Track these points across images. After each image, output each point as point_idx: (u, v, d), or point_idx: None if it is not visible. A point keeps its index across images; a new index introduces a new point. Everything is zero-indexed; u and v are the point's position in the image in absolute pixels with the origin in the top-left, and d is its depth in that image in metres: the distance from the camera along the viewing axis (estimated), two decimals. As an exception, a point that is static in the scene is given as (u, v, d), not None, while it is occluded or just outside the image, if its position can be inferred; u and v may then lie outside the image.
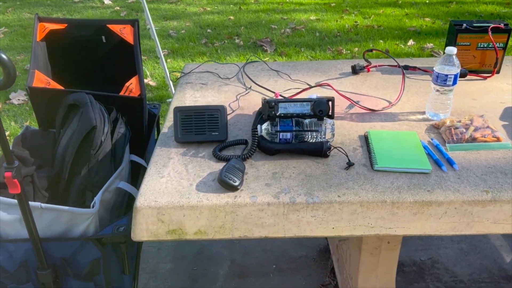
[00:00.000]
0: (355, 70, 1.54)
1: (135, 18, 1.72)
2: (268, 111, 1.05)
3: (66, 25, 1.73)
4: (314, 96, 1.30)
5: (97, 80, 1.84)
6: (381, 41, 4.16)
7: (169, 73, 3.07)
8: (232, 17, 4.98)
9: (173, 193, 0.96)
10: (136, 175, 1.57)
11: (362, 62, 1.58)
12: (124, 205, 1.47)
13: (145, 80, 3.46)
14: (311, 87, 1.41)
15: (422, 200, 0.93)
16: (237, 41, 4.26)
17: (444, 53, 1.18)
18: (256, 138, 1.07)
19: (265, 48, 4.06)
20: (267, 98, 1.35)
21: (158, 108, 1.95)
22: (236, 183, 0.95)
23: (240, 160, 1.02)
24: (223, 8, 5.40)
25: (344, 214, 0.94)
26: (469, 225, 0.95)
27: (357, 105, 1.30)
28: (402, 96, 1.36)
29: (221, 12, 5.22)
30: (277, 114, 1.06)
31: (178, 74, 3.72)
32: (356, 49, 3.97)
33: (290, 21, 4.82)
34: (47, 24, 1.72)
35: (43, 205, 1.22)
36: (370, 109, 1.28)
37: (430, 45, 4.04)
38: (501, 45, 1.45)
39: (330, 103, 1.05)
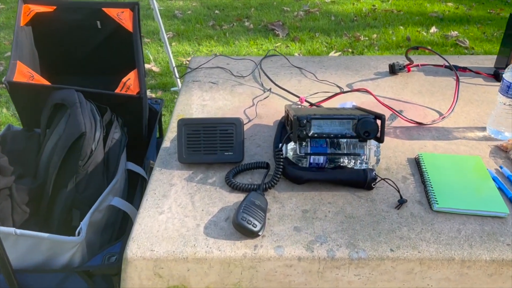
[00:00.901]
0: (393, 70, 1.29)
1: (135, 1, 1.48)
2: (298, 130, 0.82)
3: (54, 7, 1.48)
4: (348, 104, 1.06)
5: (90, 72, 1.60)
6: (401, 27, 3.87)
7: (174, 59, 2.81)
8: (241, -3, 4.68)
9: (175, 239, 0.74)
10: (133, 185, 1.35)
11: (401, 60, 1.34)
12: (118, 224, 1.26)
13: (148, 66, 3.21)
14: (343, 92, 1.17)
15: (502, 259, 0.71)
16: (246, 24, 3.98)
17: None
18: (281, 162, 0.85)
19: (276, 32, 3.78)
20: (291, 105, 1.12)
21: (161, 104, 1.72)
22: (257, 228, 0.73)
23: (260, 193, 0.80)
24: (232, -13, 5.08)
25: (398, 274, 0.72)
26: (560, 291, 0.73)
27: (402, 116, 1.06)
28: (455, 106, 1.12)
29: (230, -9, 4.91)
30: (310, 134, 0.83)
31: (183, 59, 3.46)
32: (375, 35, 3.69)
33: (304, 3, 4.51)
34: (32, 6, 1.47)
35: (18, 231, 1.01)
36: (417, 123, 1.05)
37: (454, 33, 3.75)
38: None
39: (379, 122, 0.81)
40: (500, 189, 0.84)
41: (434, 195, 0.81)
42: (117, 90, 1.37)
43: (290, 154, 0.88)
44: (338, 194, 0.84)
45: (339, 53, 3.39)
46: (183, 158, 0.89)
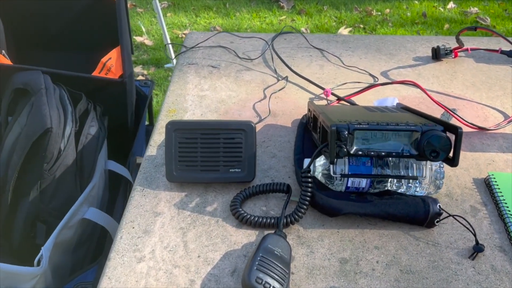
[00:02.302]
0: (437, 55, 1.04)
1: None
2: (335, 146, 0.57)
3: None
4: (390, 101, 0.82)
5: (66, 49, 1.35)
6: (416, 1, 3.56)
7: (169, 32, 2.52)
8: (242, -35, 4.32)
9: (159, 306, 0.51)
10: (115, 189, 1.12)
11: (444, 41, 1.08)
12: (94, 240, 1.03)
13: (140, 39, 2.92)
14: (381, 83, 0.92)
15: None
16: (248, -6, 3.66)
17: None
18: (309, 189, 0.61)
19: (281, 3, 3.47)
20: (314, 100, 0.87)
21: (151, 86, 1.46)
22: (279, 296, 0.50)
23: (280, 235, 0.56)
24: (232, -47, 4.70)
25: None
26: None
27: (460, 118, 0.82)
28: (522, 104, 0.88)
29: (230, -42, 4.54)
30: (352, 151, 0.59)
31: (179, 32, 3.16)
32: (388, 10, 3.39)
33: (311, -28, 4.17)
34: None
35: (-38, 258, 0.78)
36: (479, 127, 0.81)
37: (474, 9, 3.45)
38: None
39: (452, 137, 0.57)
40: None
41: (523, 240, 0.58)
42: (95, 73, 1.12)
43: (319, 172, 0.64)
44: (387, 233, 0.61)
45: (350, 28, 3.11)
46: (173, 175, 0.65)
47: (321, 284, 0.54)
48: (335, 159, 0.59)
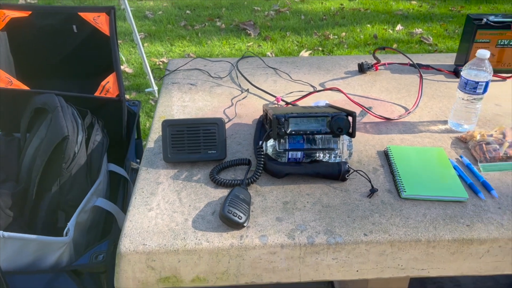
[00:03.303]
0: (362, 69, 1.37)
1: (112, 5, 1.50)
2: (277, 128, 0.88)
3: (30, 12, 1.49)
4: (322, 102, 1.13)
5: (68, 76, 1.62)
6: (368, 25, 4.00)
7: (147, 60, 2.82)
8: (212, -3, 4.71)
9: (166, 233, 0.79)
10: (115, 186, 1.38)
11: (369, 59, 1.42)
12: (102, 224, 1.28)
13: (121, 67, 3.20)
14: (317, 91, 1.24)
15: (462, 238, 0.79)
16: (218, 23, 4.02)
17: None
18: (262, 158, 0.91)
19: (248, 31, 3.83)
20: (269, 104, 1.18)
21: (138, 105, 1.74)
22: (242, 220, 0.79)
23: (244, 188, 0.85)
24: (202, -13, 5.10)
25: (371, 256, 0.79)
26: (513, 264, 0.82)
27: (371, 112, 1.14)
28: (419, 101, 1.21)
29: (201, -9, 4.93)
30: (288, 131, 0.89)
31: (156, 60, 3.47)
32: (344, 33, 3.80)
33: (274, 2, 4.58)
34: (7, 11, 1.47)
35: (6, 233, 1.03)
36: (385, 118, 1.13)
37: (418, 30, 3.91)
38: (523, 42, 1.31)
39: (350, 118, 0.88)
40: (460, 176, 0.92)
41: (402, 184, 0.89)
42: (97, 93, 1.40)
43: (270, 150, 0.94)
44: (315, 186, 0.91)
45: (310, 51, 3.48)
46: (168, 157, 0.94)
47: (271, 216, 0.83)
48: (277, 138, 0.89)
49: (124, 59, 3.34)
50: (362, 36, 3.79)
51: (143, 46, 3.57)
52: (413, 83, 1.32)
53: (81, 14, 1.49)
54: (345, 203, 0.86)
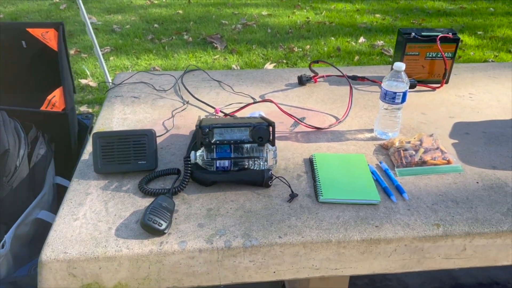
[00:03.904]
0: (301, 81, 1.44)
1: (60, 21, 1.53)
2: (201, 138, 0.92)
3: (-22, 27, 1.51)
4: (257, 113, 1.19)
5: (17, 90, 1.62)
6: (332, 38, 4.12)
7: (112, 74, 2.85)
8: (180, 11, 4.77)
9: (87, 241, 0.82)
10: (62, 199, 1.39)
11: (309, 72, 1.49)
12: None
13: (85, 81, 3.21)
14: (254, 102, 1.30)
15: (370, 238, 0.84)
16: (185, 37, 4.07)
17: (392, 68, 1.11)
18: (189, 168, 0.95)
19: (215, 45, 3.90)
20: (208, 116, 1.23)
21: (91, 118, 1.77)
22: (162, 227, 0.82)
23: (168, 197, 0.89)
24: (171, 1, 5.16)
25: (286, 257, 0.84)
26: (420, 262, 0.88)
27: (302, 123, 1.20)
28: (350, 111, 1.28)
29: (169, 5, 4.99)
30: (212, 141, 0.94)
31: (122, 73, 3.48)
32: (308, 46, 3.91)
33: (242, 16, 4.68)
34: (-46, 26, 1.49)
35: None
36: (316, 127, 1.19)
37: (380, 42, 4.05)
38: (450, 54, 1.40)
39: (270, 128, 0.94)
40: (376, 181, 0.99)
41: (320, 189, 0.94)
42: (43, 108, 1.42)
43: (199, 160, 0.98)
44: (241, 193, 0.95)
45: (274, 64, 3.56)
46: (98, 168, 0.97)
47: (193, 222, 0.87)
48: (201, 147, 0.94)
49: (88, 73, 3.35)
50: (325, 48, 3.90)
51: (108, 60, 3.60)
52: (348, 94, 1.39)
53: (29, 30, 1.52)
54: (266, 208, 0.91)
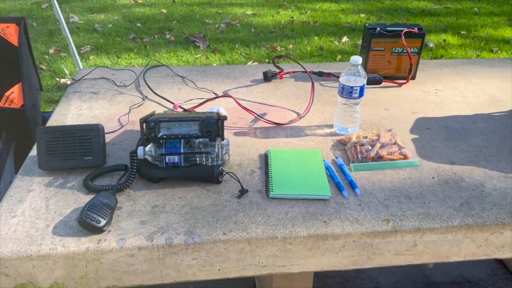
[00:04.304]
0: (267, 77, 1.42)
1: (21, 16, 1.50)
2: (147, 132, 0.89)
3: None
4: (215, 108, 1.16)
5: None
6: (315, 37, 4.11)
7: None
8: (164, 11, 4.73)
9: (22, 239, 0.78)
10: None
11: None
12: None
13: (63, 80, 3.16)
14: (213, 98, 1.27)
15: (317, 234, 0.82)
16: (168, 36, 4.04)
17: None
18: (135, 163, 0.92)
19: (197, 44, 3.87)
20: (167, 111, 1.20)
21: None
22: (101, 224, 0.79)
23: (111, 193, 0.86)
24: (155, 0, 5.12)
25: (231, 254, 0.81)
26: (370, 258, 0.86)
27: (261, 119, 1.18)
28: (312, 107, 1.26)
29: (153, 4, 4.95)
30: (159, 135, 0.91)
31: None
32: (291, 46, 3.89)
33: (226, 15, 4.65)
34: None
35: None
36: (275, 123, 1.17)
37: (363, 42, 4.04)
38: (415, 50, 1.39)
39: (219, 122, 0.91)
40: (330, 176, 0.96)
41: (271, 184, 0.92)
42: (0, 104, 1.38)
43: (147, 154, 0.95)
44: (190, 189, 0.92)
45: (256, 63, 3.54)
46: (43, 164, 0.94)
47: (135, 219, 0.84)
48: (146, 142, 0.91)
49: (67, 72, 3.30)
50: (308, 48, 3.88)
51: (89, 59, 3.55)
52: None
53: (-12, 25, 1.48)
54: (214, 204, 0.88)
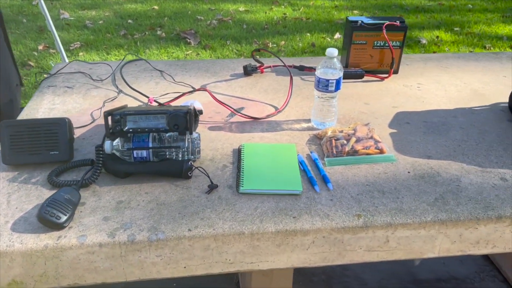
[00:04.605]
0: (247, 71, 1.39)
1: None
2: (112, 126, 0.87)
3: None
4: (189, 102, 1.13)
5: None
6: (308, 34, 4.09)
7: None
8: (156, 7, 4.69)
9: (-21, 236, 0.76)
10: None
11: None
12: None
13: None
14: (190, 92, 1.24)
15: (286, 230, 0.80)
16: (159, 32, 4.00)
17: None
18: (101, 158, 0.89)
19: (188, 40, 3.84)
20: (142, 105, 1.17)
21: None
22: (61, 220, 0.77)
23: (75, 188, 0.83)
24: (147, -4, 5.08)
25: (196, 251, 0.79)
26: (341, 255, 0.83)
27: (237, 113, 1.15)
28: (291, 101, 1.23)
29: (145, 1, 4.91)
30: (125, 129, 0.88)
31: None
32: (283, 42, 3.86)
33: (218, 12, 4.62)
34: None
35: None
36: (252, 117, 1.14)
37: (356, 38, 4.01)
38: (398, 43, 1.37)
39: (187, 116, 0.88)
40: (304, 171, 0.94)
41: (242, 179, 0.89)
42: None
43: (115, 148, 0.92)
44: (158, 184, 0.90)
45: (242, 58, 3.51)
46: (6, 159, 0.91)
47: (99, 216, 0.81)
48: (110, 136, 0.88)
49: (55, 68, 3.26)
50: (300, 44, 3.86)
51: (78, 55, 3.52)
52: (293, 84, 1.35)
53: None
54: (182, 200, 0.86)
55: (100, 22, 4.22)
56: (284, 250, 0.81)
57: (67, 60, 2.57)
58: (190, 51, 3.65)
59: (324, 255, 0.83)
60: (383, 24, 1.33)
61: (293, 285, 1.60)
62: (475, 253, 0.87)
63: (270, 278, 1.15)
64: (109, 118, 0.86)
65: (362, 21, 1.35)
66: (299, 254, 0.82)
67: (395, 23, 1.34)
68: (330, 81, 1.03)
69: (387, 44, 1.36)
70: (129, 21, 4.29)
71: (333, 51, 1.02)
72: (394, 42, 1.36)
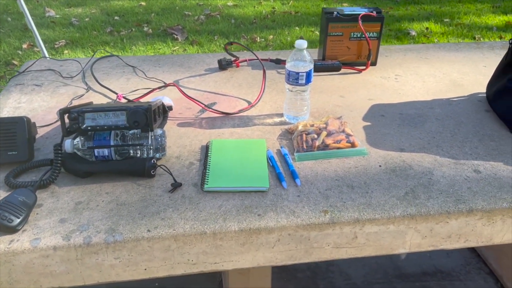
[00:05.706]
0: (221, 66, 1.36)
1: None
2: (69, 124, 0.83)
3: None
4: (157, 98, 1.10)
5: None
6: (296, 28, 4.05)
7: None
8: (143, 3, 4.63)
9: None
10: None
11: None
12: None
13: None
14: (160, 87, 1.21)
15: (250, 228, 0.77)
16: (146, 29, 3.95)
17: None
18: (59, 157, 0.86)
19: (175, 36, 3.79)
20: (110, 102, 1.13)
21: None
22: (13, 223, 0.74)
23: (30, 190, 0.80)
24: (134, -7, 5.02)
25: (156, 253, 0.76)
26: (308, 252, 0.81)
27: (208, 109, 1.12)
28: (265, 95, 1.20)
29: (132, -3, 4.85)
30: (83, 127, 0.85)
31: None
32: (271, 36, 3.83)
33: (206, 7, 4.57)
34: None
35: None
36: (223, 113, 1.11)
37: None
38: (375, 34, 1.33)
39: (147, 112, 0.85)
40: (273, 167, 0.91)
41: (208, 177, 0.87)
42: None
43: (75, 147, 0.89)
44: (120, 184, 0.87)
45: (234, 54, 3.47)
46: (-38, 161, 0.88)
47: (55, 218, 0.78)
48: (67, 134, 0.85)
49: (39, 67, 3.21)
50: (289, 38, 3.82)
51: (63, 53, 3.47)
52: (268, 78, 1.32)
53: None
54: (143, 199, 0.83)
55: (86, 19, 4.17)
56: (248, 249, 0.78)
57: (45, 51, 2.52)
58: (177, 47, 3.61)
59: (290, 253, 0.80)
60: (359, 15, 1.30)
61: (278, 282, 1.59)
62: (448, 247, 0.84)
63: (247, 276, 1.12)
64: (66, 116, 0.83)
65: (337, 12, 1.32)
66: (264, 253, 0.79)
67: (371, 13, 1.31)
68: (300, 73, 1.00)
69: (363, 36, 1.33)
70: (116, 18, 4.24)
71: (302, 43, 0.99)
72: (371, 33, 1.32)
